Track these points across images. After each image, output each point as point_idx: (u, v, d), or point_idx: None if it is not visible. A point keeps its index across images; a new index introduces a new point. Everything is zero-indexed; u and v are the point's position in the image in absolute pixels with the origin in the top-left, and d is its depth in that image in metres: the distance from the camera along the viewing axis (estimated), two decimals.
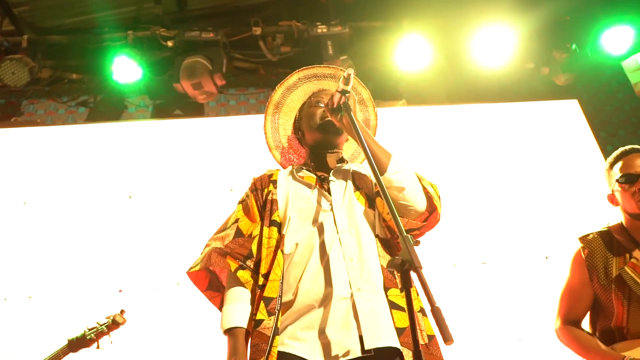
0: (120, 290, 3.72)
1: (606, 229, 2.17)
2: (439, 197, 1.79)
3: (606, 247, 2.09)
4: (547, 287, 3.50)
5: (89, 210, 4.07)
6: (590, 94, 4.97)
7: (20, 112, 4.66)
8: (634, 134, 4.85)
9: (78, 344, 2.54)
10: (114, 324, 2.61)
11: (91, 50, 4.51)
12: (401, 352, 1.51)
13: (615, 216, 2.21)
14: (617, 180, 2.10)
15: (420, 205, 1.70)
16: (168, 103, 4.78)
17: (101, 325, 2.59)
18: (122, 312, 2.66)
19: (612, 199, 2.18)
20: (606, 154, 4.34)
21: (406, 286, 1.31)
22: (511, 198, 4.22)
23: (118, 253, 3.88)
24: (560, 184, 4.31)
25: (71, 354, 2.52)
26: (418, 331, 1.30)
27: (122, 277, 3.78)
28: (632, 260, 2.02)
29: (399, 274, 1.37)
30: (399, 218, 1.43)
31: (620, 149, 2.19)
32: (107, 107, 4.78)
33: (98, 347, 2.55)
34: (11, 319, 3.53)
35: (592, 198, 3.90)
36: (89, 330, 2.57)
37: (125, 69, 4.31)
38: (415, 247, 1.33)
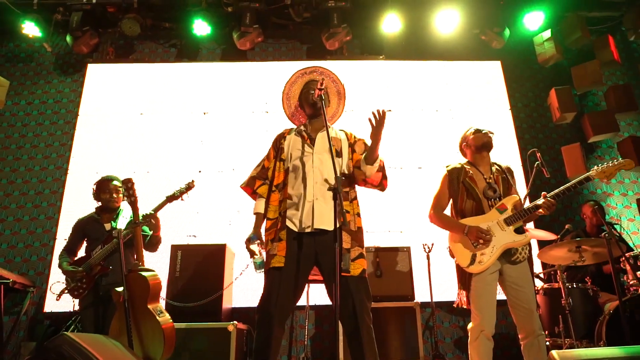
0: (200, 171, 5.78)
1: (459, 165, 3.37)
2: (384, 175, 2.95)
3: (458, 171, 3.33)
4: None
5: (178, 122, 6.07)
6: (512, 56, 6.45)
7: (133, 51, 6.68)
8: (537, 85, 6.40)
9: (171, 198, 3.68)
10: (188, 188, 3.72)
11: (178, 7, 6.33)
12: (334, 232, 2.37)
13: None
14: (469, 136, 3.37)
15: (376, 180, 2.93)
16: (228, 48, 6.57)
17: (182, 188, 3.71)
18: (192, 181, 3.77)
19: (464, 150, 3.48)
20: (512, 100, 6.17)
21: (334, 198, 2.38)
22: (444, 130, 5.95)
23: (197, 149, 5.92)
24: (480, 115, 6.03)
25: (168, 204, 3.68)
26: (338, 222, 2.34)
27: (199, 163, 5.85)
28: (470, 174, 3.30)
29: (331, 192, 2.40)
30: (337, 168, 2.45)
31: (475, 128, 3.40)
32: (189, 48, 6.63)
33: (182, 200, 3.71)
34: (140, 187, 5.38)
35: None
36: (176, 191, 3.71)
37: (201, 26, 6.18)
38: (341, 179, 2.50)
